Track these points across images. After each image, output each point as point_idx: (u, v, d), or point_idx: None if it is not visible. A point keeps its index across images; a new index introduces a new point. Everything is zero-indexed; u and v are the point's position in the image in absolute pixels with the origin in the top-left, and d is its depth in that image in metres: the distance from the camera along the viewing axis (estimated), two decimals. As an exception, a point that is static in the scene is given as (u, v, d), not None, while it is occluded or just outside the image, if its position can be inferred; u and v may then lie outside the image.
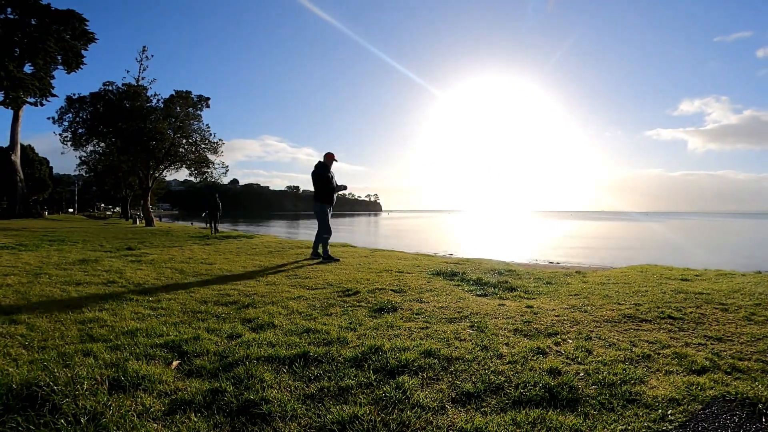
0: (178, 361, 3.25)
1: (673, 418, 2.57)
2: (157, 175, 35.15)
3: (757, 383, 3.01)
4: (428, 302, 5.41)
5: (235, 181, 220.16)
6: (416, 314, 4.81)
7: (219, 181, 36.60)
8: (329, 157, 10.10)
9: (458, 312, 4.91)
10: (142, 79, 34.78)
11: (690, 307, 5.22)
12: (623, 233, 43.75)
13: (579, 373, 3.14)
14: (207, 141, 34.86)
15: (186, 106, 33.64)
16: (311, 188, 10.28)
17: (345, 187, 10.57)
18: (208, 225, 23.22)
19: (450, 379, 3.02)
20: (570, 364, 3.34)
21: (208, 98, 35.11)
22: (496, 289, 6.43)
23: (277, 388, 2.82)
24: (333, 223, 10.49)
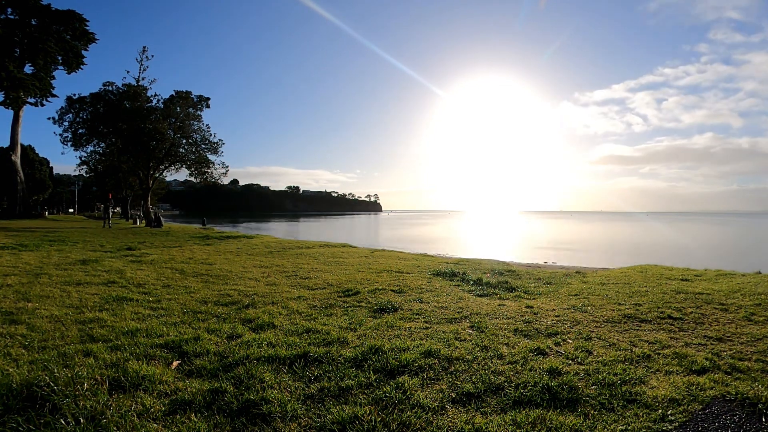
0: (178, 362, 3.25)
1: (673, 418, 2.57)
2: (157, 175, 35.13)
3: (757, 383, 3.01)
4: (428, 302, 5.42)
5: (235, 182, 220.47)
6: (416, 314, 4.81)
7: (219, 181, 36.54)
8: None
9: (458, 312, 4.91)
10: (143, 79, 34.85)
11: (690, 308, 5.23)
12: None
13: (579, 374, 3.14)
14: (207, 141, 34.84)
15: (186, 106, 33.62)
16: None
17: None
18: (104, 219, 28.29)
19: (450, 380, 3.03)
20: (570, 364, 3.34)
21: (208, 98, 35.09)
22: (496, 290, 6.43)
23: (278, 388, 2.82)
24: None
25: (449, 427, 2.41)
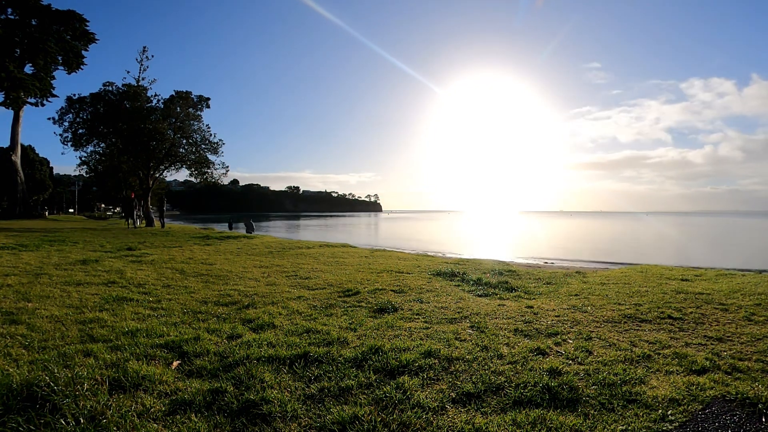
0: (178, 362, 3.25)
1: (673, 418, 2.57)
2: (157, 175, 35.13)
3: (757, 383, 3.01)
4: (428, 303, 5.42)
5: (235, 182, 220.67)
6: (416, 314, 4.81)
7: (219, 181, 36.53)
8: None
9: (458, 312, 4.91)
10: (143, 79, 34.80)
11: (690, 308, 5.22)
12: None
13: (579, 374, 3.14)
14: (207, 141, 34.83)
15: (186, 106, 33.62)
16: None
17: None
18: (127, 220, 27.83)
19: (450, 380, 3.03)
20: (570, 364, 3.34)
21: (208, 98, 35.09)
22: (496, 290, 6.43)
23: (278, 388, 2.82)
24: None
25: (449, 427, 2.41)
